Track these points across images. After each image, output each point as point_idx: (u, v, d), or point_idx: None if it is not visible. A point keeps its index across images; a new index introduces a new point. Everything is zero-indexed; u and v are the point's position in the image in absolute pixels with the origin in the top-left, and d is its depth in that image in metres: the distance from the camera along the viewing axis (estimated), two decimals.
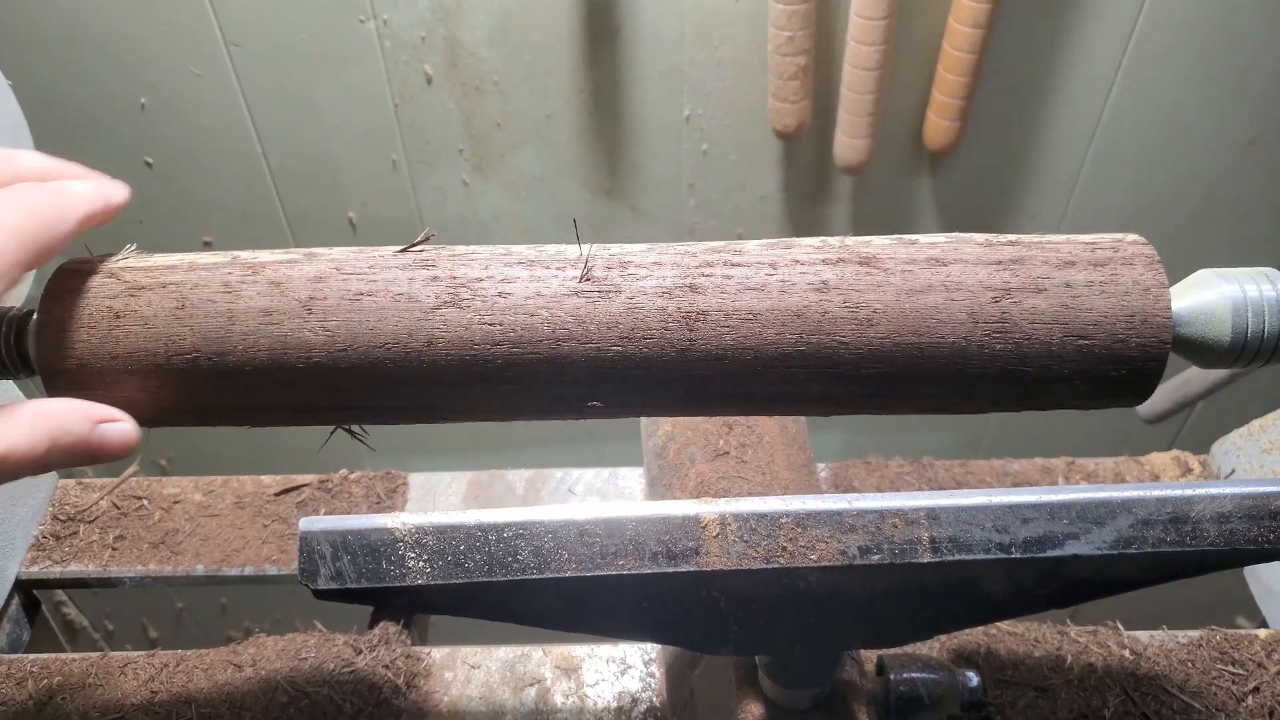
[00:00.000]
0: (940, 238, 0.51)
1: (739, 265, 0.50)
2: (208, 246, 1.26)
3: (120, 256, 0.52)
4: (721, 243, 0.51)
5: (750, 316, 0.49)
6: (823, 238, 0.52)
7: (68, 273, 0.51)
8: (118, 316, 0.49)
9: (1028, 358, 0.49)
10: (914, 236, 0.51)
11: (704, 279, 0.49)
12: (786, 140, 1.17)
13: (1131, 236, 0.51)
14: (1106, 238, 0.51)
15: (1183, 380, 0.88)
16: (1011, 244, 0.51)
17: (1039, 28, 1.09)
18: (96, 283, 0.50)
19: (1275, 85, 1.12)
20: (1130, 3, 1.06)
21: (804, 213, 1.26)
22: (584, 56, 1.11)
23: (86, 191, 0.49)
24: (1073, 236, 0.51)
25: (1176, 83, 1.13)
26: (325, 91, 1.14)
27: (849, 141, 1.11)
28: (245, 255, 0.52)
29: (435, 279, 0.50)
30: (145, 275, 0.51)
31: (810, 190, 1.23)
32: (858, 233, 1.27)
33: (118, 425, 0.49)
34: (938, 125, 1.11)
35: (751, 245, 0.51)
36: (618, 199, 1.24)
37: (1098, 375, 0.49)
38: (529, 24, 1.09)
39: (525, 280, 0.49)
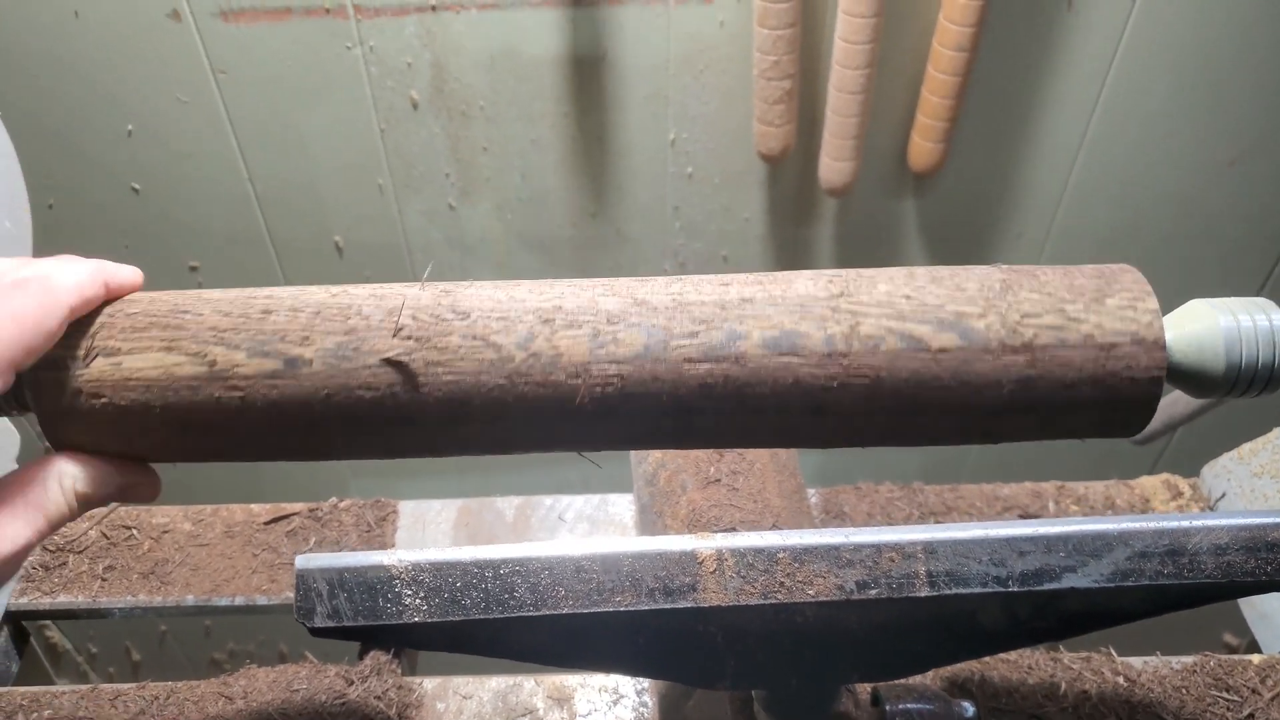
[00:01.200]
0: (955, 338, 0.49)
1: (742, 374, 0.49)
2: (194, 271, 1.25)
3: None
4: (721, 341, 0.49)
5: (747, 432, 0.51)
6: (827, 332, 0.49)
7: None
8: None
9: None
10: (922, 338, 0.49)
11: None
12: (771, 163, 1.17)
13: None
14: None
15: (1169, 402, 0.89)
16: (1026, 349, 0.49)
17: (1022, 50, 1.10)
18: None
19: (1255, 107, 1.14)
20: (1113, 25, 1.07)
21: (789, 235, 1.26)
22: (569, 81, 1.12)
23: (72, 282, 0.48)
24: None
25: (1159, 104, 1.14)
26: (311, 117, 1.14)
27: (833, 164, 1.11)
28: (221, 362, 0.49)
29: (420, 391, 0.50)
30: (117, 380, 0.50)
31: (795, 213, 1.24)
32: (843, 254, 1.28)
33: (140, 489, 0.52)
34: (922, 147, 1.12)
35: (753, 343, 0.49)
36: (603, 222, 1.25)
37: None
38: (515, 49, 1.09)
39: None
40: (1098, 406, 0.49)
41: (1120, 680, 0.70)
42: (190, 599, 0.80)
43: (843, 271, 0.51)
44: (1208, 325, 0.49)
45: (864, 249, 1.28)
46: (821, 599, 0.47)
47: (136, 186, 1.17)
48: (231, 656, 1.67)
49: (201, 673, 0.76)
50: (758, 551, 0.48)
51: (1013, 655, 0.71)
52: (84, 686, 0.74)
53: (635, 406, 0.49)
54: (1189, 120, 1.15)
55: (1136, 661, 0.72)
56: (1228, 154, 1.18)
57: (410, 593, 0.48)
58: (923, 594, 0.47)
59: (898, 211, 1.25)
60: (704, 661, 0.51)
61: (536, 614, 0.47)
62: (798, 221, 1.25)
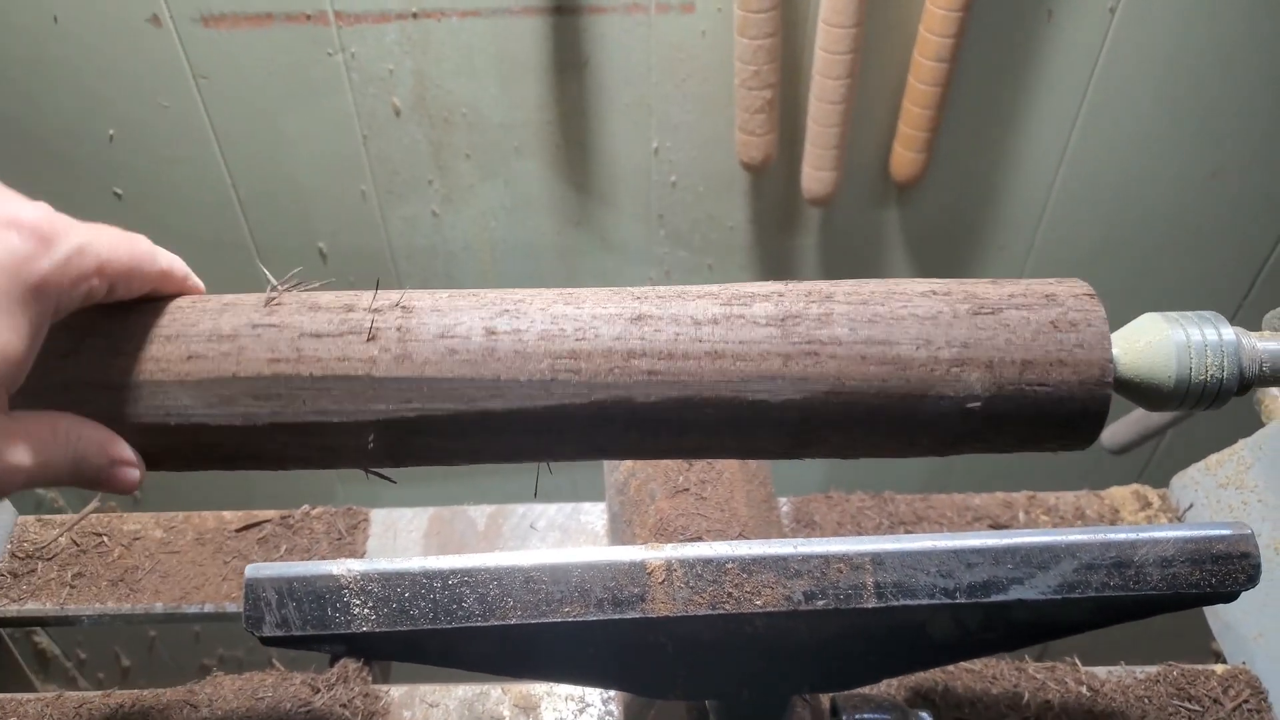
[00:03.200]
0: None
1: None
2: None
3: None
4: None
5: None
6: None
7: None
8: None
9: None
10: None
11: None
12: (753, 172, 1.17)
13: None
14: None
15: (1144, 412, 0.89)
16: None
17: (1003, 61, 1.10)
18: None
19: (1238, 119, 1.14)
20: (1093, 36, 1.07)
21: (772, 244, 1.26)
22: (552, 89, 1.12)
23: (167, 255, 0.54)
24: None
25: (1140, 116, 1.14)
26: (294, 123, 1.14)
27: (815, 174, 1.11)
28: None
29: None
30: None
31: (778, 222, 1.24)
32: (826, 263, 1.28)
33: (128, 470, 0.49)
34: (904, 157, 1.12)
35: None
36: (587, 230, 1.25)
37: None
38: (497, 57, 1.09)
39: None
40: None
41: (1084, 690, 0.70)
42: (159, 606, 0.80)
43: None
44: (1159, 339, 0.49)
45: (847, 258, 1.28)
46: (769, 610, 0.47)
47: (118, 191, 1.17)
48: (221, 662, 1.67)
49: (191, 678, 0.76)
50: (706, 562, 0.48)
51: (977, 665, 0.71)
52: (49, 694, 0.74)
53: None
54: (1170, 132, 1.15)
55: (1101, 671, 0.72)
56: (1209, 166, 1.18)
57: (359, 602, 0.48)
58: (870, 605, 0.47)
59: (880, 221, 1.25)
60: (654, 672, 0.51)
61: (485, 624, 0.47)
62: (781, 230, 1.25)
